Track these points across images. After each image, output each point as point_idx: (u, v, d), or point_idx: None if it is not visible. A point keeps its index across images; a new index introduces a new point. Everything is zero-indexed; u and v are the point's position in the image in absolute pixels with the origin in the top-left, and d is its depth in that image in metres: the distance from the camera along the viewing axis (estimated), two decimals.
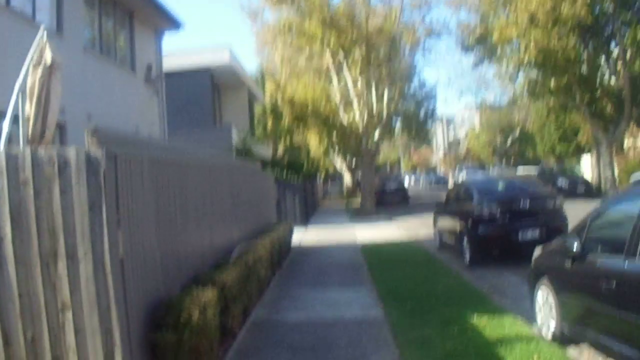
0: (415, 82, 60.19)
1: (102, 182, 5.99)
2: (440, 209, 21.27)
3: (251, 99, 46.62)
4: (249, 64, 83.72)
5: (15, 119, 7.21)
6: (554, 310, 8.90)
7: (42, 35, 7.33)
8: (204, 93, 34.88)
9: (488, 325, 10.00)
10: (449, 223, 19.42)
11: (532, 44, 34.73)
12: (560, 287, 8.76)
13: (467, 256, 16.95)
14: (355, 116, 40.27)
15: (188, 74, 33.76)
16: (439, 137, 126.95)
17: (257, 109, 56.02)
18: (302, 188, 34.08)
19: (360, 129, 39.71)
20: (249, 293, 11.25)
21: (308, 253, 21.54)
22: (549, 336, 9.10)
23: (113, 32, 21.43)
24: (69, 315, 6.04)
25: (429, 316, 10.84)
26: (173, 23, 24.45)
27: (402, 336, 9.69)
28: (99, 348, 6.03)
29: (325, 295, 13.44)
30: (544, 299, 9.32)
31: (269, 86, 53.49)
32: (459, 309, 11.21)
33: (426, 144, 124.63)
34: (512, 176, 24.44)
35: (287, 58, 43.37)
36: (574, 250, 8.14)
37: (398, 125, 66.04)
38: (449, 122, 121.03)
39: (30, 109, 7.08)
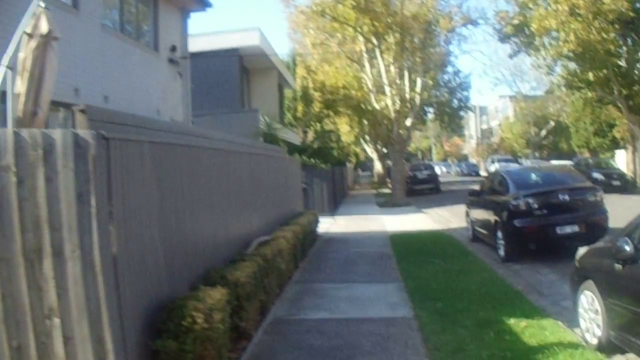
0: (449, 71, 59.16)
1: (90, 169, 5.27)
2: (474, 199, 20.31)
3: (281, 84, 45.90)
4: (280, 49, 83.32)
5: (3, 97, 6.46)
6: (600, 316, 8.09)
7: (38, 1, 6.52)
8: (231, 75, 34.12)
9: (527, 329, 9.23)
10: (482, 214, 18.49)
11: (571, 35, 33.68)
12: (609, 292, 7.92)
13: (502, 250, 16.05)
14: (387, 103, 39.25)
15: (215, 55, 33.08)
16: (472, 126, 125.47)
17: (287, 94, 55.38)
18: (331, 175, 33.26)
19: (392, 116, 38.73)
20: (267, 289, 10.54)
21: (335, 243, 20.75)
22: (594, 343, 8.31)
23: (135, 10, 20.56)
24: (57, 321, 5.33)
25: (461, 317, 10.05)
26: (200, 2, 23.62)
27: (433, 340, 8.95)
28: (89, 358, 5.31)
29: (350, 291, 12.64)
30: (589, 303, 8.50)
31: (300, 71, 52.89)
32: (494, 310, 10.44)
33: (458, 134, 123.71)
34: (549, 167, 23.27)
35: (319, 43, 42.38)
36: (626, 252, 7.31)
37: (430, 113, 64.98)
38: (482, 112, 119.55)
39: (21, 86, 6.30)
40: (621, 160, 49.00)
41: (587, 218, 15.48)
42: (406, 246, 18.96)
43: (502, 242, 16.09)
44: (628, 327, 7.45)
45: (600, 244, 9.12)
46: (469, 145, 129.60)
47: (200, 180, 8.92)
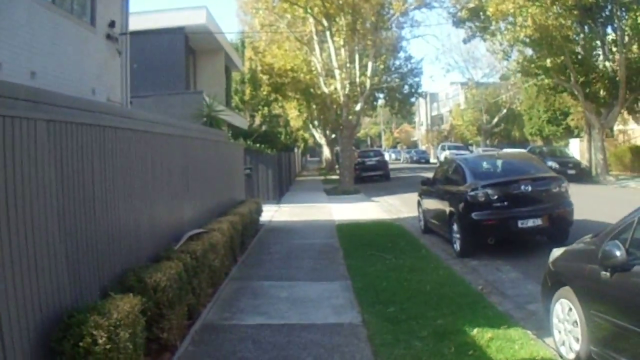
0: (401, 56, 58.33)
1: None
2: (426, 189, 18.96)
3: (229, 66, 44.41)
4: (229, 32, 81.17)
5: None
6: (579, 329, 6.94)
7: None
8: (176, 56, 32.54)
9: (493, 341, 8.03)
10: (436, 205, 17.25)
11: (529, 20, 32.73)
12: (592, 302, 6.71)
13: (458, 245, 14.87)
14: (336, 87, 37.96)
15: (160, 34, 31.54)
16: (422, 113, 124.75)
17: (235, 77, 54.08)
18: (277, 161, 31.83)
19: (341, 100, 37.46)
20: (196, 291, 9.20)
21: (278, 234, 19.50)
22: (571, 358, 7.21)
23: None
24: None
25: (417, 325, 8.82)
26: None
27: (385, 354, 7.72)
28: None
29: (292, 290, 11.36)
30: (566, 313, 7.34)
31: (248, 53, 51.54)
32: (453, 316, 9.26)
33: (408, 121, 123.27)
34: (509, 154, 22.06)
35: (267, 24, 41.01)
36: (616, 258, 6.08)
37: (381, 100, 64.01)
38: (433, 98, 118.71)
39: None
40: (575, 148, 48.71)
41: (551, 211, 14.28)
42: (354, 238, 17.72)
43: (457, 235, 14.87)
44: (615, 343, 6.32)
45: (580, 245, 7.88)
46: (419, 132, 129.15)
47: (117, 165, 7.59)
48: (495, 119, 76.40)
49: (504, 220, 14.06)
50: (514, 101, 72.21)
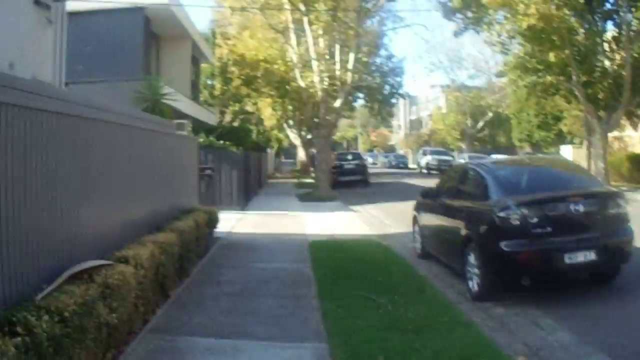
0: (382, 54, 55.23)
1: None
2: (428, 202, 14.57)
3: (197, 56, 40.26)
4: (200, 23, 75.18)
5: None
6: None
7: None
8: (135, 39, 28.29)
9: None
10: (442, 225, 13.03)
11: (532, 8, 28.92)
12: None
13: (475, 283, 10.65)
14: (314, 80, 33.96)
15: (117, 14, 27.55)
16: (400, 117, 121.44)
17: (205, 71, 50.13)
18: (244, 160, 27.64)
19: (319, 95, 33.48)
20: None
21: (236, 252, 15.46)
22: None
23: None
24: None
25: None
26: None
27: None
28: None
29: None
30: None
31: (219, 44, 47.52)
32: None
33: (387, 124, 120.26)
34: (543, 159, 17.70)
35: (239, 8, 36.95)
36: None
37: (360, 99, 60.45)
38: (412, 101, 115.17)
39: None
40: (567, 156, 45.12)
41: (606, 240, 10.16)
42: (332, 263, 13.59)
43: (476, 270, 10.64)
44: None
45: None
46: (397, 136, 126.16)
47: None
48: (480, 123, 72.98)
49: (547, 253, 9.85)
50: (500, 105, 68.72)
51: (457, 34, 39.01)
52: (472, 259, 10.77)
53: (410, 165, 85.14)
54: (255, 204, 29.17)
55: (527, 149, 60.35)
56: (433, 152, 68.37)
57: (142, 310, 8.31)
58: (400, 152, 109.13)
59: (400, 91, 58.58)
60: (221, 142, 25.57)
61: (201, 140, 24.63)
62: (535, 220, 9.86)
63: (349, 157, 48.87)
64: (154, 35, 32.63)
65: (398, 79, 57.36)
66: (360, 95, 57.26)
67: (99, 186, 8.35)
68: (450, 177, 14.38)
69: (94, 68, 25.06)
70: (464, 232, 11.27)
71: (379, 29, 43.59)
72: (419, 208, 15.40)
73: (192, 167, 17.37)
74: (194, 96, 38.17)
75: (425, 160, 67.42)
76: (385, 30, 44.56)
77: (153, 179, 11.83)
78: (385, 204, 27.96)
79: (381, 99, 57.67)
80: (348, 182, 43.41)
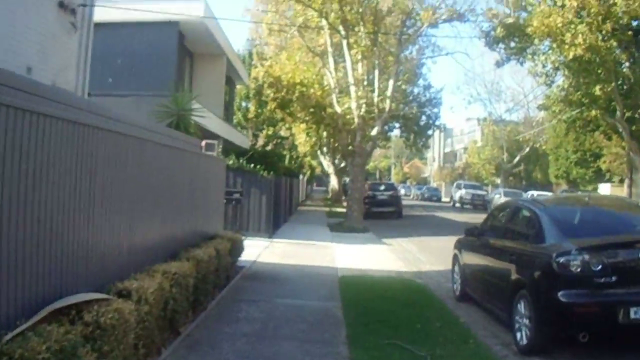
0: (420, 84, 54.43)
1: None
2: (472, 241, 13.24)
3: (232, 76, 39.37)
4: (236, 44, 73.12)
5: None
6: None
7: None
8: (166, 53, 27.40)
9: None
10: (488, 267, 11.74)
11: (579, 37, 27.65)
12: None
13: (525, 334, 9.33)
14: (351, 106, 32.78)
15: (149, 26, 26.65)
16: (435, 148, 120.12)
17: (240, 92, 49.30)
18: (275, 186, 26.51)
19: (356, 122, 32.34)
20: None
21: (260, 284, 14.31)
22: None
23: None
24: None
25: None
26: None
27: None
28: None
29: None
30: None
31: (255, 64, 46.66)
32: None
33: (420, 156, 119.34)
34: (605, 198, 16.30)
35: (277, 29, 36.03)
36: None
37: (396, 129, 59.30)
38: (447, 134, 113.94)
39: None
40: (606, 193, 43.77)
41: None
42: (364, 303, 12.39)
43: (526, 320, 9.33)
44: None
45: None
46: (431, 168, 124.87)
47: None
48: (517, 158, 71.43)
49: (610, 306, 8.55)
50: (537, 140, 67.19)
51: (499, 64, 37.74)
52: (522, 307, 9.48)
53: (443, 199, 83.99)
54: (284, 231, 28.05)
55: (564, 186, 58.90)
56: (467, 186, 67.24)
57: (142, 352, 7.16)
58: (433, 184, 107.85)
59: (437, 122, 57.44)
60: (251, 165, 24.43)
61: (230, 162, 23.55)
62: (598, 267, 8.59)
63: (383, 187, 47.64)
64: (188, 52, 31.90)
65: (435, 110, 56.38)
66: (396, 125, 56.03)
67: (97, 201, 7.23)
68: (498, 215, 13.11)
69: (123, 81, 24.52)
70: (514, 277, 9.99)
71: (418, 57, 42.43)
72: (461, 246, 14.08)
73: (218, 191, 16.28)
74: (227, 117, 37.29)
75: (459, 194, 66.42)
76: (424, 58, 43.21)
77: (171, 200, 10.73)
78: (419, 238, 26.78)
79: (417, 130, 56.39)
80: (380, 213, 42.25)
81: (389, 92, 32.57)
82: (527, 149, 69.44)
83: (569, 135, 51.70)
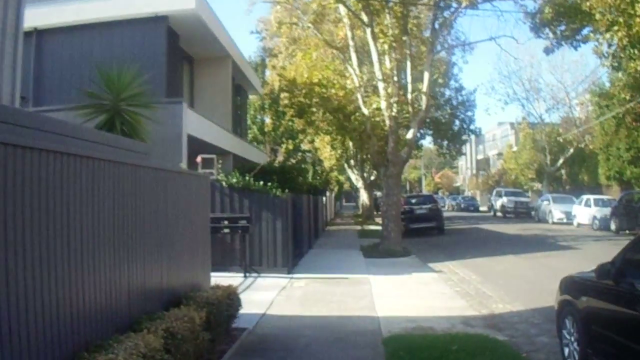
0: (452, 86, 50.12)
1: None
2: (606, 286, 7.72)
3: (241, 84, 34.75)
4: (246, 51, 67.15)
5: None
6: None
7: None
8: (154, 54, 22.44)
9: None
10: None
11: None
12: None
13: None
14: (380, 107, 27.77)
15: (131, 24, 22.64)
16: (467, 155, 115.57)
17: (254, 104, 44.87)
18: (292, 207, 21.29)
19: (387, 124, 27.44)
20: None
21: None
22: None
23: None
24: None
25: None
26: None
27: None
28: None
29: None
30: None
31: (269, 72, 42.23)
32: None
33: (452, 165, 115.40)
34: None
35: (288, 23, 31.13)
36: None
37: (429, 135, 54.18)
38: (478, 140, 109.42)
39: None
40: None
41: None
42: None
43: None
44: None
45: None
46: (464, 177, 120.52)
47: None
48: (561, 160, 66.24)
49: None
50: (581, 140, 62.16)
51: (548, 51, 32.92)
52: None
53: (481, 208, 79.55)
54: (308, 262, 22.90)
55: (615, 187, 54.55)
56: (508, 194, 62.58)
57: None
58: (468, 193, 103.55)
59: (472, 127, 52.41)
60: (260, 183, 19.29)
61: (234, 180, 18.78)
62: None
63: (420, 200, 42.75)
64: (187, 56, 27.63)
65: (469, 113, 51.84)
66: (430, 132, 51.40)
67: None
68: None
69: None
70: None
71: (451, 48, 37.21)
72: (577, 291, 8.67)
73: (201, 218, 11.22)
74: (238, 131, 32.66)
75: (500, 202, 62.13)
76: (461, 45, 37.46)
77: (101, 242, 5.89)
78: (473, 261, 21.98)
79: (450, 136, 51.63)
80: (419, 229, 37.47)
81: (424, 88, 27.35)
82: (572, 150, 64.31)
83: (620, 132, 47.59)
